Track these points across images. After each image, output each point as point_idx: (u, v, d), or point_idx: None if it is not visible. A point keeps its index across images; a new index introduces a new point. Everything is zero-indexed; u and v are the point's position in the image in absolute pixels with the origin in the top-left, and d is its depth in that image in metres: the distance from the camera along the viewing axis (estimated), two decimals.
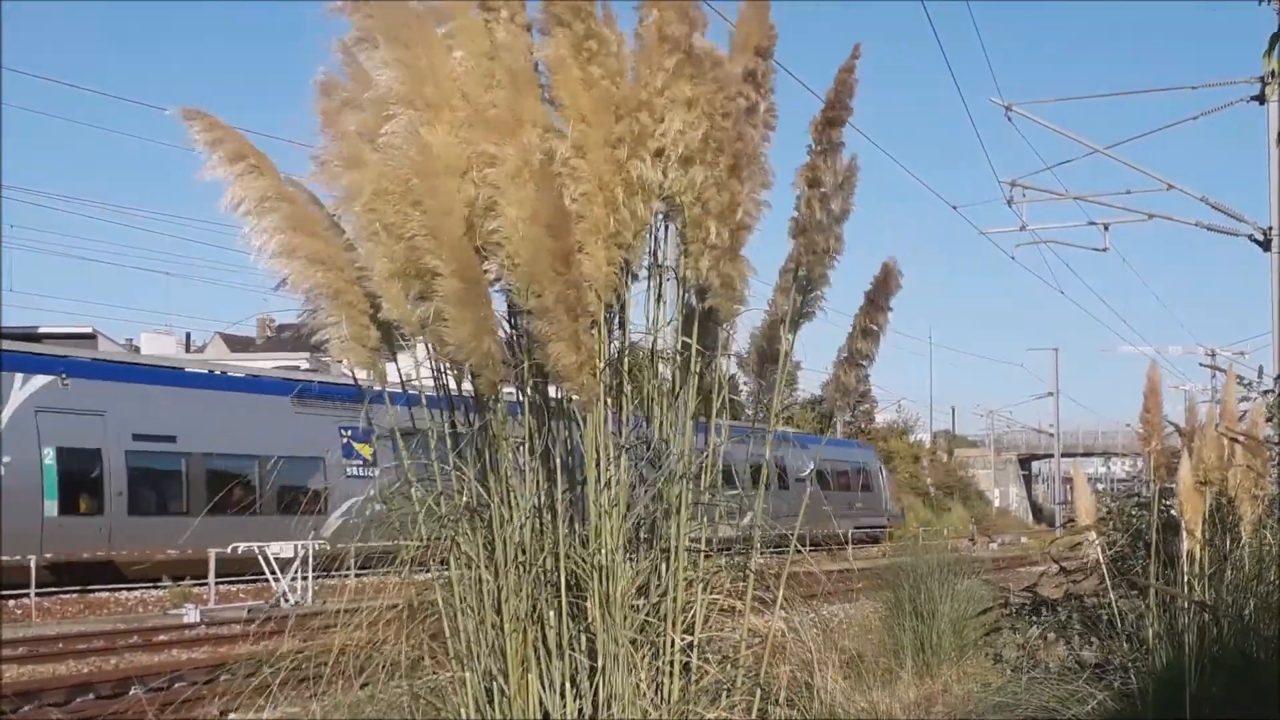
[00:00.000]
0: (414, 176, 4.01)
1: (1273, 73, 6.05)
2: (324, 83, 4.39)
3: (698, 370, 4.45)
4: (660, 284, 4.51)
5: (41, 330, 33.76)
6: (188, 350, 58.68)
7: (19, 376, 24.02)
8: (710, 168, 4.22)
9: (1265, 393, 9.78)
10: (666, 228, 4.50)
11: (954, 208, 40.44)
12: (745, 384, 5.12)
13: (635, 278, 4.40)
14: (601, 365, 4.16)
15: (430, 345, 4.38)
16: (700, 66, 4.21)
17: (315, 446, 26.10)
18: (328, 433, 26.69)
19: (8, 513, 21.93)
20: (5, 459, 23.39)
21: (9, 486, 23.02)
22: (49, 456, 24.14)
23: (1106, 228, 26.10)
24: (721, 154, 4.21)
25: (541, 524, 4.22)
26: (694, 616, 4.33)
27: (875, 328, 4.69)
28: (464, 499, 4.33)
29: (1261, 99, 20.37)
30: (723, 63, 4.26)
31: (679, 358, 4.44)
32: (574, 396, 4.17)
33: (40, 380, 24.35)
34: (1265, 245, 21.23)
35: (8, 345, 25.05)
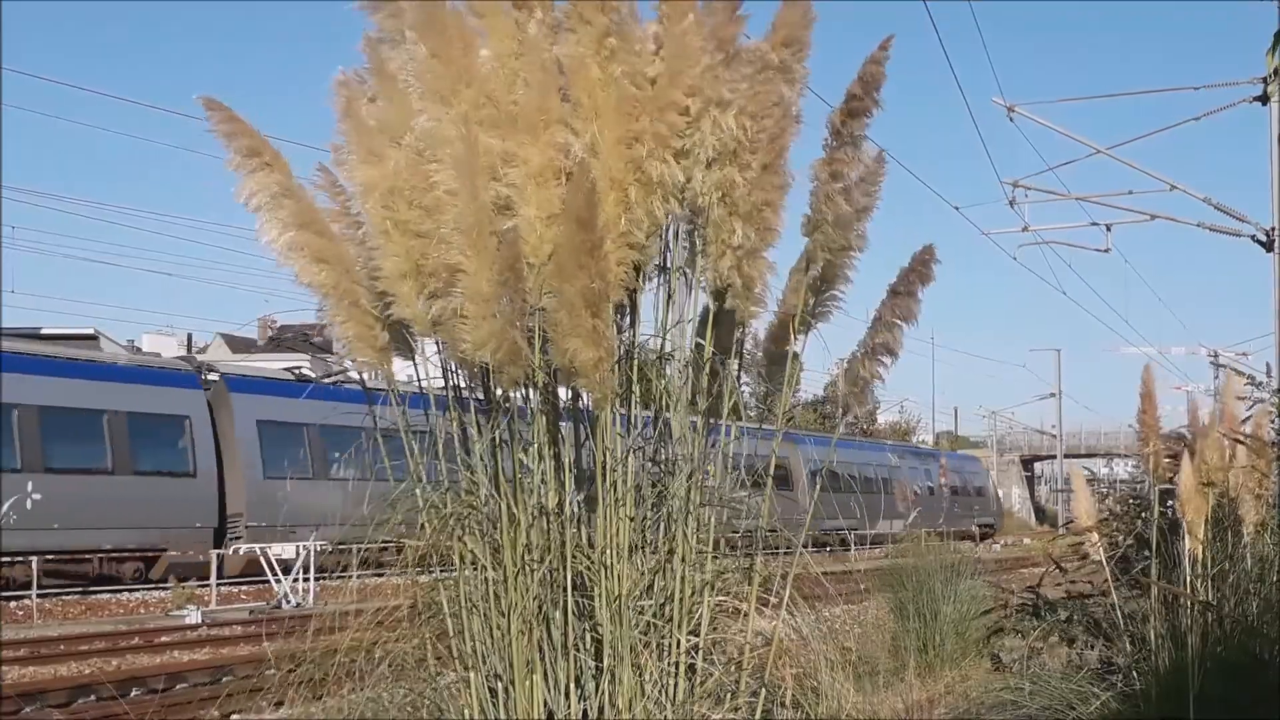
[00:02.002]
0: (455, 172, 4.00)
1: (1276, 71, 6.04)
2: (343, 80, 4.40)
3: (711, 371, 4.43)
4: (670, 284, 4.49)
5: (44, 331, 33.71)
6: (189, 351, 58.67)
7: None
8: (743, 169, 4.20)
9: (1277, 391, 9.75)
10: (676, 229, 4.48)
11: (956, 208, 40.47)
12: (747, 384, 5.11)
13: (648, 278, 4.39)
14: (613, 362, 4.15)
15: (441, 344, 4.38)
16: (741, 67, 4.20)
17: None
18: None
19: None
20: None
21: None
22: None
23: (1109, 228, 26.04)
24: (756, 155, 4.19)
25: (548, 524, 4.22)
26: (700, 618, 4.32)
27: (900, 321, 4.60)
28: (471, 499, 4.33)
29: (1264, 99, 20.34)
30: (767, 63, 4.23)
31: (695, 358, 4.43)
32: (586, 394, 4.16)
33: None
34: (1268, 246, 21.20)
35: None
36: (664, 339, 4.46)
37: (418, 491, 4.46)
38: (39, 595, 22.48)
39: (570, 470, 4.28)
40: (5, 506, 23.18)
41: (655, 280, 4.49)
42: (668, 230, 4.44)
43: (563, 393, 4.38)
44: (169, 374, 27.34)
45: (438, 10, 4.18)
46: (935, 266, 4.64)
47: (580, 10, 4.13)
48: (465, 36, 4.18)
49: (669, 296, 4.48)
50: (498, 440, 4.31)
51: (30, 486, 23.78)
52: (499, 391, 4.27)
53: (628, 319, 4.42)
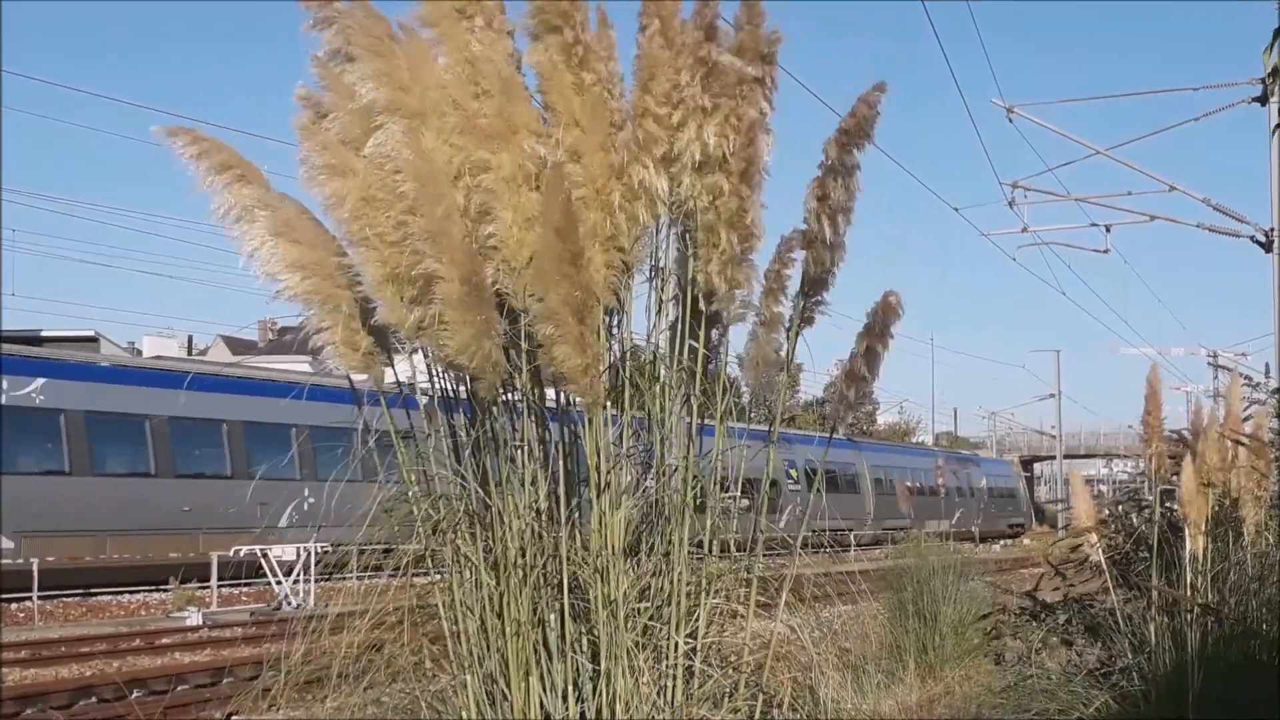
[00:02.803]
0: (411, 182, 4.01)
1: (1275, 69, 6.04)
2: (304, 95, 4.41)
3: (700, 373, 4.44)
4: (662, 288, 4.50)
5: (44, 334, 33.79)
6: (189, 353, 58.70)
7: None
8: (727, 175, 4.22)
9: (1275, 391, 9.76)
10: (668, 233, 4.49)
11: (955, 209, 40.40)
12: (746, 386, 5.11)
13: (632, 281, 4.40)
14: (602, 368, 4.16)
15: (426, 349, 4.38)
16: (721, 76, 4.21)
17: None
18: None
19: None
20: None
21: None
22: None
23: (1108, 229, 26.03)
24: (735, 161, 4.21)
25: (542, 527, 4.22)
26: (697, 620, 4.32)
27: (877, 350, 4.71)
28: (464, 503, 4.33)
29: (1263, 100, 20.33)
30: (744, 74, 4.25)
31: (682, 361, 4.43)
32: (577, 399, 4.17)
33: None
34: (1267, 246, 21.20)
35: None
36: (656, 341, 4.47)
37: (411, 495, 4.46)
38: (40, 597, 22.48)
39: (562, 473, 4.29)
40: (289, 509, 26.81)
41: (650, 282, 4.50)
42: (659, 232, 4.45)
43: (557, 393, 4.39)
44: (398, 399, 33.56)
45: (373, 26, 4.20)
46: (899, 311, 4.71)
47: (545, 19, 4.13)
48: (416, 48, 4.19)
49: (660, 300, 4.49)
50: (482, 442, 4.32)
51: (306, 492, 27.84)
52: (476, 396, 4.28)
53: (619, 320, 4.42)
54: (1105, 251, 26.52)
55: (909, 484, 54.71)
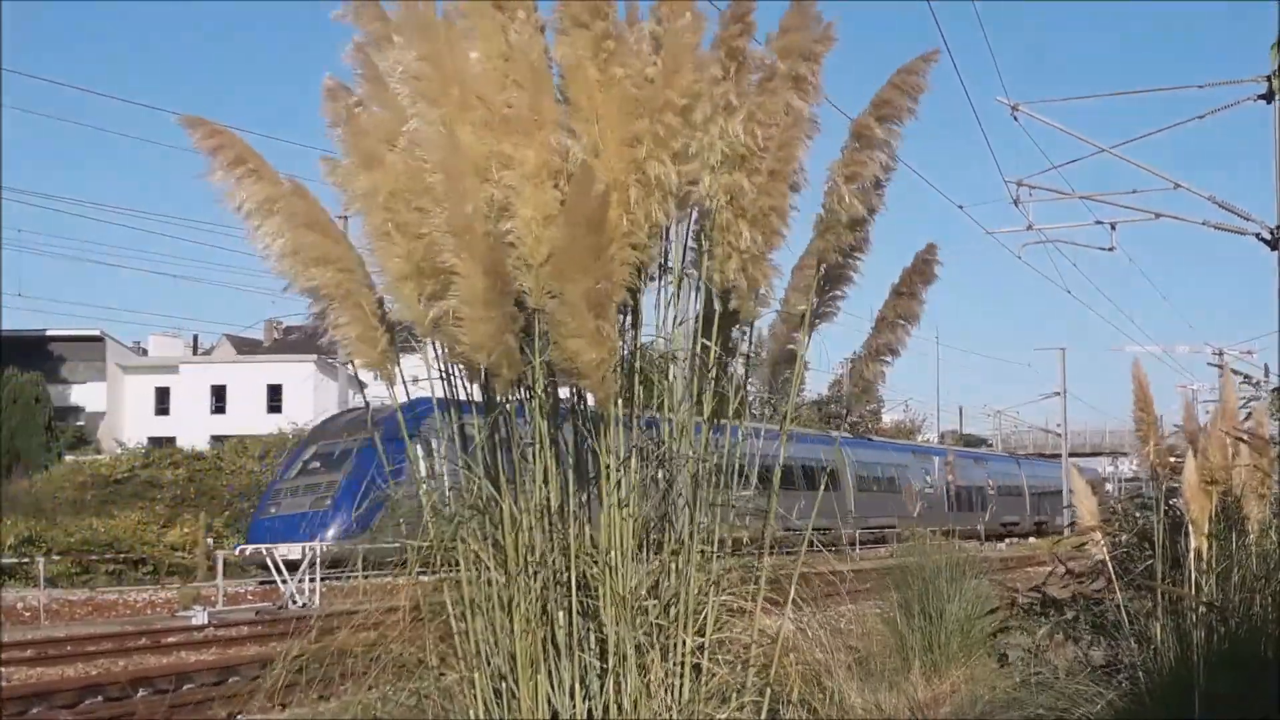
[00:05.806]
0: (441, 175, 4.01)
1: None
2: (332, 86, 4.41)
3: (714, 372, 4.44)
4: (678, 285, 4.49)
5: (49, 333, 33.80)
6: (195, 352, 58.72)
7: None
8: (751, 174, 4.21)
9: (1274, 390, 9.74)
10: (677, 230, 4.49)
11: (960, 207, 40.39)
12: (752, 384, 5.12)
13: (651, 278, 4.40)
14: (614, 363, 4.16)
15: (440, 346, 4.39)
16: (746, 72, 4.21)
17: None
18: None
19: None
20: None
21: None
22: None
23: (1113, 227, 26.01)
24: (764, 161, 4.20)
25: (551, 524, 4.23)
26: (705, 617, 4.33)
27: (903, 321, 4.63)
28: (473, 499, 4.34)
29: (1268, 97, 20.31)
30: (774, 71, 4.24)
31: (697, 359, 4.44)
32: (589, 395, 4.17)
33: None
34: (1272, 244, 21.18)
35: None
36: (670, 339, 4.47)
37: (420, 493, 4.47)
38: (45, 596, 22.53)
39: (571, 470, 4.29)
40: None
41: (658, 280, 4.50)
42: (669, 231, 4.45)
43: (564, 391, 4.40)
44: (825, 438, 41.75)
45: (424, 12, 4.19)
46: (937, 266, 4.66)
47: (574, 13, 4.14)
48: (452, 38, 4.19)
49: (675, 296, 4.49)
50: (496, 441, 4.33)
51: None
52: (497, 393, 4.29)
53: (629, 319, 4.43)
54: (1110, 249, 26.51)
55: (1047, 488, 72.05)
